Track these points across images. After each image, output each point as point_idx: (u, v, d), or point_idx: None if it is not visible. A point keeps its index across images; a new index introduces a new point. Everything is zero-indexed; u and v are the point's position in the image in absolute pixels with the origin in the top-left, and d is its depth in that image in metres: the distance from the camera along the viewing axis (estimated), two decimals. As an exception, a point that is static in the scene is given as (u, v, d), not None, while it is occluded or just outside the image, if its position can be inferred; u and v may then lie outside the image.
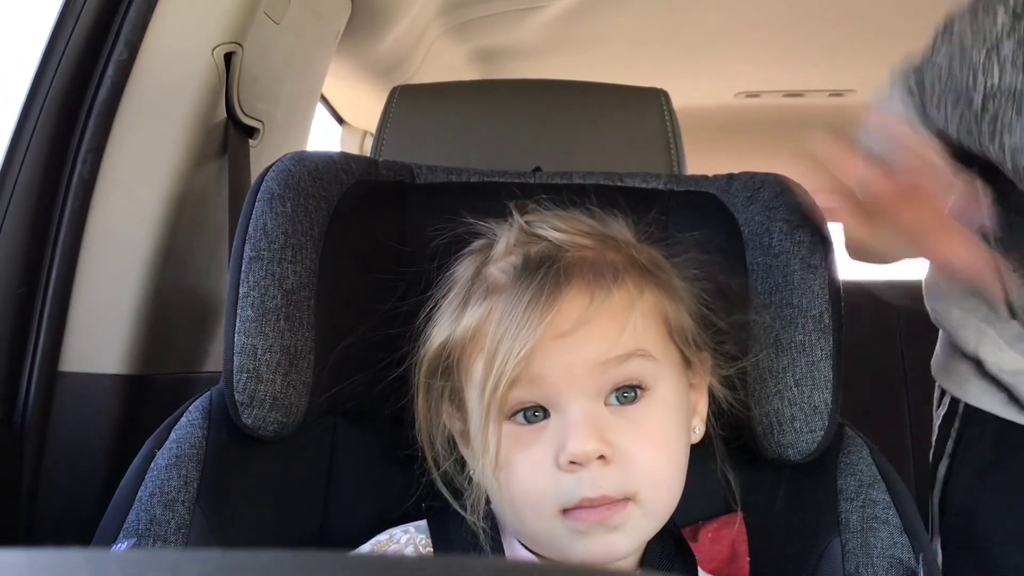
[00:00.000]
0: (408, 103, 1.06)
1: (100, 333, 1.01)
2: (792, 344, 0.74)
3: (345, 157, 0.82)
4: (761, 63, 1.97)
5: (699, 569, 0.69)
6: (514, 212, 0.68)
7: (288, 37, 1.21)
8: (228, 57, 1.05)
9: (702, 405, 0.69)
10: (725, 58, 1.95)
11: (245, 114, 1.12)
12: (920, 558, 0.71)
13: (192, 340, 1.13)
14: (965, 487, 0.92)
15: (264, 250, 0.72)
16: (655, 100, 1.08)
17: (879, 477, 0.74)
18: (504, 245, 0.66)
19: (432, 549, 0.67)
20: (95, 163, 1.00)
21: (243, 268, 0.72)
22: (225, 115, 1.09)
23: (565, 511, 0.60)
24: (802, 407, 0.73)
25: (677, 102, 1.09)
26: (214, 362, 1.14)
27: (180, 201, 1.04)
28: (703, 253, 0.70)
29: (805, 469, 0.75)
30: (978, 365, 0.90)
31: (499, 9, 1.71)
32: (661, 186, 0.84)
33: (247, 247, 0.72)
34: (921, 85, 0.83)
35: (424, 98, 1.09)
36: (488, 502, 0.66)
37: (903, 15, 1.36)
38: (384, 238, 0.79)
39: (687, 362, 0.66)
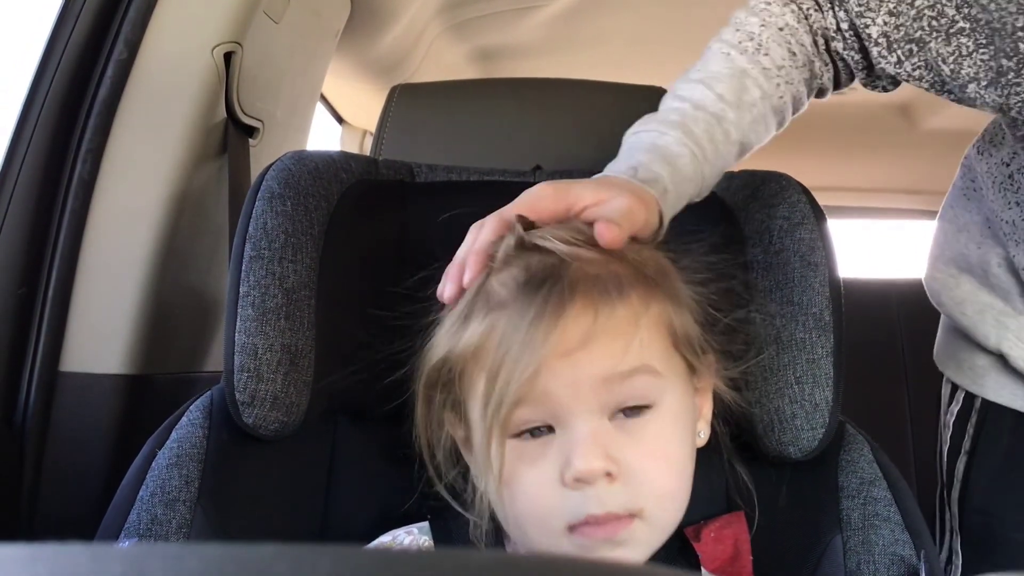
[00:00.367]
0: (408, 102, 1.06)
1: (100, 333, 1.01)
2: (793, 341, 0.74)
3: (345, 156, 0.82)
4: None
5: (702, 569, 0.69)
6: (516, 222, 0.63)
7: (288, 36, 1.21)
8: (228, 56, 1.05)
9: (707, 408, 0.68)
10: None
11: (245, 113, 1.12)
12: (921, 555, 0.71)
13: (192, 340, 1.13)
14: (986, 485, 0.91)
15: (264, 249, 0.72)
16: (655, 98, 1.07)
17: (880, 474, 0.74)
18: (503, 254, 0.62)
19: None
20: (95, 163, 1.00)
21: (243, 267, 0.72)
22: (225, 115, 1.09)
23: (571, 527, 0.59)
24: (803, 405, 0.73)
25: (677, 100, 1.09)
26: (215, 362, 1.14)
27: (180, 201, 1.04)
28: (705, 252, 0.70)
29: (806, 467, 0.75)
30: (1000, 360, 0.89)
31: (498, 8, 1.71)
32: (661, 184, 0.84)
33: (247, 246, 0.72)
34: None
35: (424, 97, 1.09)
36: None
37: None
38: (384, 237, 0.79)
39: (692, 368, 0.65)
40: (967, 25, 0.73)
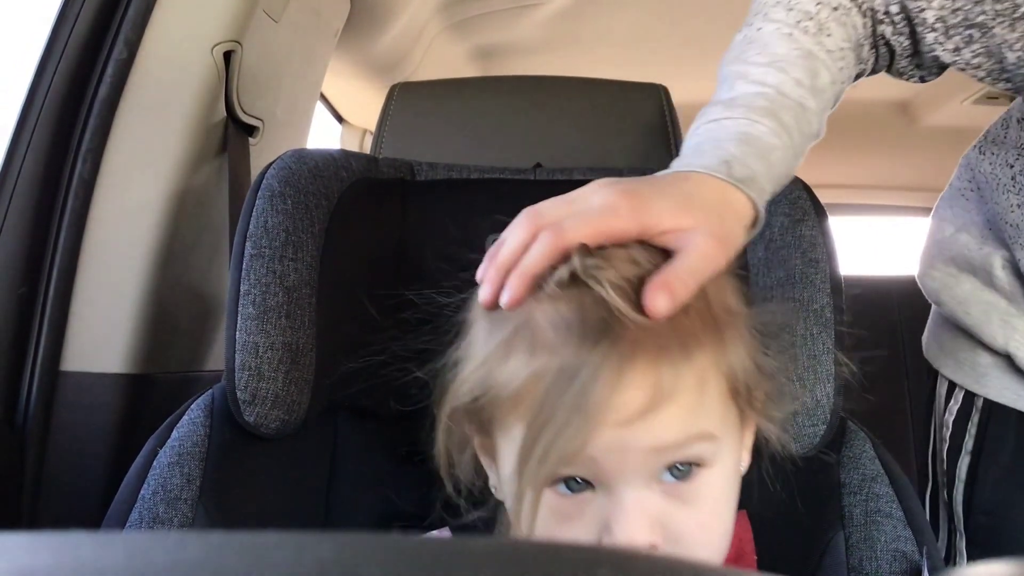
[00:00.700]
0: (408, 100, 1.06)
1: (101, 332, 1.01)
2: (793, 338, 0.74)
3: (345, 154, 0.82)
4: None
5: None
6: (575, 254, 0.52)
7: (287, 35, 1.21)
8: (227, 55, 1.05)
9: (749, 437, 0.62)
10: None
11: (245, 112, 1.12)
12: (923, 551, 0.71)
13: (193, 338, 1.13)
14: (992, 486, 0.89)
15: (265, 248, 0.72)
16: (655, 96, 1.07)
17: (882, 471, 0.74)
18: (553, 288, 0.52)
19: None
20: (95, 163, 1.00)
21: (244, 266, 0.72)
22: (225, 113, 1.09)
23: None
24: (804, 401, 0.73)
25: (677, 98, 1.09)
26: (216, 360, 1.14)
27: (180, 200, 1.04)
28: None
29: (808, 463, 0.75)
30: (1005, 360, 0.88)
31: (498, 6, 1.72)
32: (662, 181, 0.84)
33: (248, 245, 0.72)
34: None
35: (424, 95, 1.09)
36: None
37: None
38: (385, 235, 0.79)
39: (743, 414, 0.59)
40: None
